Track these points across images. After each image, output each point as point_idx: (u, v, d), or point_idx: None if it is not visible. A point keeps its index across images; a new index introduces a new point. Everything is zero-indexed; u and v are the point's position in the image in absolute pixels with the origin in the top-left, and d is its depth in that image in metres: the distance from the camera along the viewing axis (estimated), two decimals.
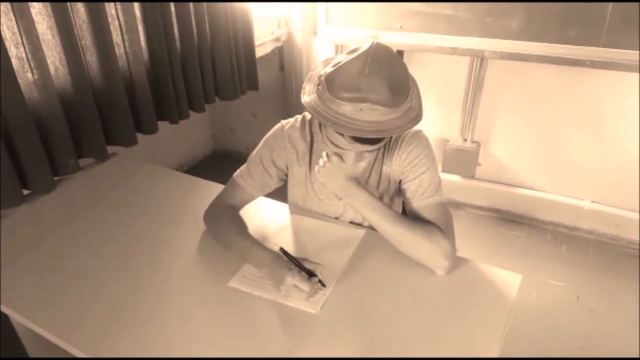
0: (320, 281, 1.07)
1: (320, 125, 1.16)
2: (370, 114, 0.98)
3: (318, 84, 1.04)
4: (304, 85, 1.09)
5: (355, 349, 0.95)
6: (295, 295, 1.04)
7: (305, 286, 1.02)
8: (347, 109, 0.98)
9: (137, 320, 1.02)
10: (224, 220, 1.23)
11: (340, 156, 1.11)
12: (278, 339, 0.98)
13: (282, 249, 1.10)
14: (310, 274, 1.06)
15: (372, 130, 0.98)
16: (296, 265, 1.07)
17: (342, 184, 1.13)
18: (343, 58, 1.02)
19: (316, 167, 1.15)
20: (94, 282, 1.13)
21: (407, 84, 1.03)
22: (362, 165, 1.20)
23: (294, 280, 1.02)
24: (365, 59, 0.98)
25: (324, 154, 1.14)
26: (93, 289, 1.11)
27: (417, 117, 1.04)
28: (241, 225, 1.22)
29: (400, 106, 1.00)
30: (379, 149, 1.13)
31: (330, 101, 1.00)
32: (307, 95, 1.06)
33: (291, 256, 1.09)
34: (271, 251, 1.11)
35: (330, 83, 1.01)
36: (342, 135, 1.03)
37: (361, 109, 0.97)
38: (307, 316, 1.02)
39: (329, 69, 1.03)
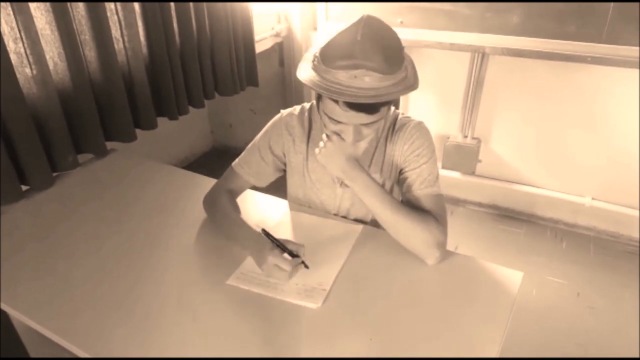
0: (303, 262, 1.07)
1: (318, 104, 1.14)
2: (365, 81, 0.98)
3: (313, 60, 1.05)
4: (299, 64, 1.09)
5: (355, 345, 0.95)
6: (277, 275, 1.05)
7: (286, 266, 1.03)
8: (342, 76, 0.98)
9: (137, 317, 1.02)
10: (218, 203, 1.26)
11: (340, 136, 1.11)
12: (279, 336, 0.97)
13: (264, 230, 1.10)
14: (293, 255, 1.06)
15: (366, 96, 0.98)
16: (278, 246, 1.07)
17: (342, 164, 1.12)
18: (334, 33, 1.03)
19: (316, 149, 1.15)
20: (93, 279, 1.12)
21: (401, 54, 1.04)
22: (363, 145, 1.18)
23: (275, 259, 1.03)
24: (358, 26, 0.98)
25: (323, 135, 1.14)
26: (92, 286, 1.10)
27: (414, 85, 1.04)
28: (232, 208, 1.24)
29: (394, 74, 1.00)
30: (374, 122, 1.10)
31: (325, 72, 1.01)
32: (304, 72, 1.06)
33: (273, 237, 1.08)
34: (256, 232, 1.12)
35: (324, 55, 1.01)
36: (337, 103, 1.03)
37: (355, 76, 0.97)
38: (308, 313, 1.02)
39: (322, 44, 1.04)
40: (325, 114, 1.09)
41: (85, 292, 1.09)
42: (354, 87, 0.98)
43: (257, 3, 2.41)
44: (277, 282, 1.08)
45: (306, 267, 1.08)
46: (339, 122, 1.07)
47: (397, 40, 1.04)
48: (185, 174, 1.60)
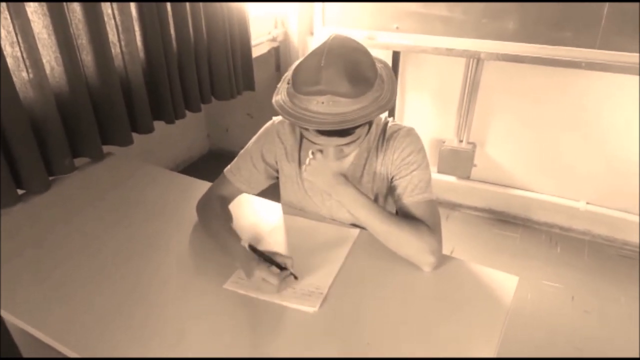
0: (292, 274, 1.08)
1: None
2: (332, 106, 0.98)
3: (287, 82, 1.06)
4: (278, 85, 1.10)
5: (352, 348, 0.95)
6: (265, 288, 1.06)
7: (273, 280, 1.04)
8: (311, 103, 0.99)
9: (132, 321, 1.02)
10: (210, 212, 1.26)
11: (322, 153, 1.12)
12: (276, 340, 0.98)
13: (250, 246, 1.10)
14: (281, 268, 1.07)
15: (333, 122, 0.98)
16: (265, 260, 1.08)
17: (328, 180, 1.14)
18: (305, 55, 1.04)
19: (303, 166, 1.16)
20: (88, 283, 1.12)
21: (371, 73, 1.02)
22: (349, 160, 1.21)
23: (262, 273, 1.04)
24: (322, 51, 0.99)
25: (310, 152, 1.15)
26: (87, 290, 1.10)
27: (386, 105, 1.02)
28: (224, 218, 1.25)
29: (363, 96, 0.99)
30: (353, 142, 1.11)
31: (295, 97, 1.02)
32: (279, 94, 1.07)
33: (260, 252, 1.09)
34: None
35: (294, 80, 1.02)
36: (307, 130, 1.05)
37: (323, 102, 0.98)
38: (305, 316, 1.02)
39: (294, 66, 1.05)
40: (304, 135, 1.10)
41: (80, 296, 1.08)
42: (322, 113, 0.98)
43: (254, 7, 2.41)
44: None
45: (295, 277, 1.09)
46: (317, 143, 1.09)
47: (367, 60, 1.03)
48: (181, 178, 1.60)
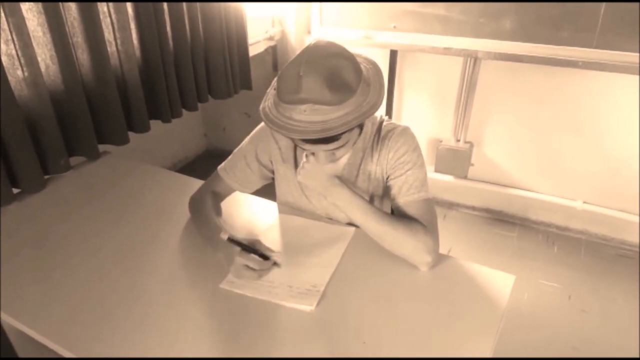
0: (275, 262, 1.10)
1: None
2: (314, 115, 0.97)
3: (274, 88, 1.06)
4: (267, 90, 1.09)
5: (349, 347, 0.95)
6: (246, 275, 1.07)
7: (254, 264, 1.06)
8: (294, 111, 0.98)
9: (129, 321, 1.01)
10: (200, 205, 1.27)
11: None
12: (273, 338, 0.97)
13: (229, 239, 1.10)
14: (263, 257, 1.08)
15: (315, 131, 0.97)
16: (245, 249, 1.09)
17: (323, 183, 1.14)
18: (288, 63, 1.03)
19: (298, 169, 1.16)
20: (84, 282, 1.12)
21: (354, 79, 1.00)
22: (342, 162, 1.21)
23: (242, 260, 1.06)
24: (301, 60, 0.98)
25: (303, 155, 1.14)
26: (83, 289, 1.10)
27: (369, 111, 1.01)
28: (211, 210, 1.25)
29: (345, 102, 0.98)
30: (342, 146, 1.09)
31: (280, 106, 1.01)
32: (266, 101, 1.07)
33: (239, 242, 1.10)
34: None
35: (278, 88, 1.02)
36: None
37: (304, 111, 0.97)
38: (302, 315, 1.02)
39: (279, 73, 1.04)
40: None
41: (76, 296, 1.08)
42: (304, 121, 0.98)
43: (251, 6, 2.41)
44: (270, 285, 1.08)
45: (278, 265, 1.11)
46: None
47: (349, 65, 1.00)
48: (178, 177, 1.59)
